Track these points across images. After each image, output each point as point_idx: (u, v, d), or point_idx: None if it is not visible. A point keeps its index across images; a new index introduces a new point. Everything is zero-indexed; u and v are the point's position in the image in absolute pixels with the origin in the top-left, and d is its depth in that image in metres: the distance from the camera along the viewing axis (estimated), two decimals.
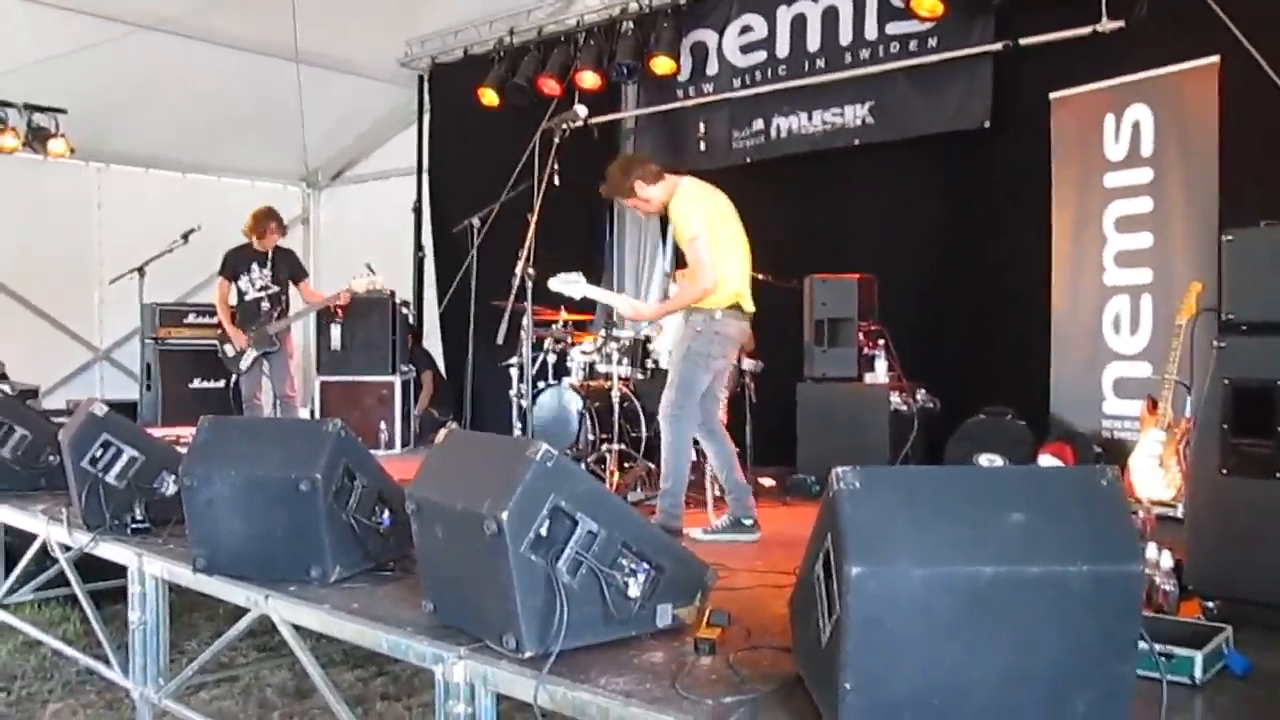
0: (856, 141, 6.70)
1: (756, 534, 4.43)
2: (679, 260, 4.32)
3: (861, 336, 5.85)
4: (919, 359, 6.00)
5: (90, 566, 4.44)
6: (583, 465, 5.40)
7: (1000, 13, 6.03)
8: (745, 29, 7.26)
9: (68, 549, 4.44)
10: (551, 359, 6.50)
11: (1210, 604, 2.91)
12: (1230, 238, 3.09)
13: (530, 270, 4.34)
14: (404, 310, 8.23)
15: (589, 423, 5.91)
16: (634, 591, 2.67)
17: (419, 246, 9.40)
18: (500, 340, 4.38)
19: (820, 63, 6.85)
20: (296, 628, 3.27)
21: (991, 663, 1.97)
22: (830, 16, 6.78)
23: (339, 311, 7.52)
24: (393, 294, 7.87)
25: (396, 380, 7.87)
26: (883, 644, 1.95)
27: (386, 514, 3.56)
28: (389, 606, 3.11)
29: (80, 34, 7.48)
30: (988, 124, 6.08)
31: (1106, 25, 5.57)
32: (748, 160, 7.15)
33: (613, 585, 2.63)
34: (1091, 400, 5.49)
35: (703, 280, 4.23)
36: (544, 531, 2.53)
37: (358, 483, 3.47)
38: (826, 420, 5.84)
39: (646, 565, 2.70)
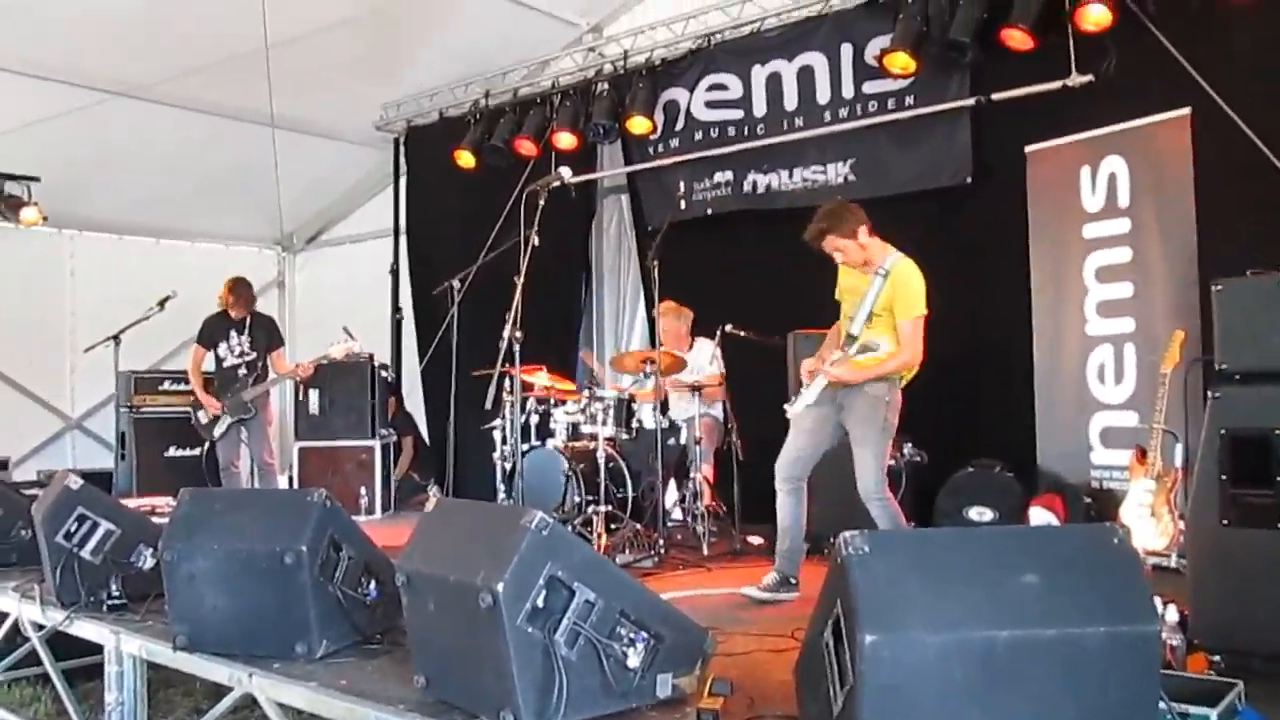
0: (839, 198, 6.72)
1: (797, 593, 4.41)
2: (870, 320, 4.32)
3: None
4: (906, 413, 5.96)
5: (63, 643, 4.30)
6: (569, 527, 5.32)
7: (974, 69, 6.11)
8: (717, 86, 7.30)
9: (40, 627, 4.31)
10: (535, 420, 6.46)
11: (1217, 658, 2.87)
12: (1220, 287, 3.10)
13: (518, 333, 4.31)
14: (383, 373, 8.18)
15: (575, 484, 5.85)
16: (633, 661, 2.60)
17: (396, 308, 9.36)
18: (489, 405, 4.35)
19: (799, 121, 6.91)
20: (282, 706, 3.17)
21: None
22: (806, 76, 6.84)
23: (304, 383, 7.47)
24: (371, 357, 7.82)
25: (376, 445, 7.78)
26: (898, 712, 1.90)
27: (373, 585, 3.47)
28: (378, 682, 3.02)
29: (52, 101, 7.46)
30: (969, 179, 6.13)
31: (1076, 80, 5.66)
32: (709, 212, 7.19)
33: (612, 656, 2.57)
34: (1079, 450, 5.49)
35: (914, 356, 4.33)
36: (541, 602, 2.47)
37: (344, 554, 3.39)
38: (819, 477, 5.77)
39: (645, 634, 2.64)
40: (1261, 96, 4.98)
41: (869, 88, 6.58)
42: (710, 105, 7.34)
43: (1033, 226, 5.74)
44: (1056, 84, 5.71)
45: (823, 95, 6.78)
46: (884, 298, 4.34)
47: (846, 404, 4.37)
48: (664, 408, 5.88)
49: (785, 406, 4.54)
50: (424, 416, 8.95)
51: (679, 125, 7.50)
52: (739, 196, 7.19)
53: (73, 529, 4.14)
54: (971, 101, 6.13)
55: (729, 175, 7.24)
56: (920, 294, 4.32)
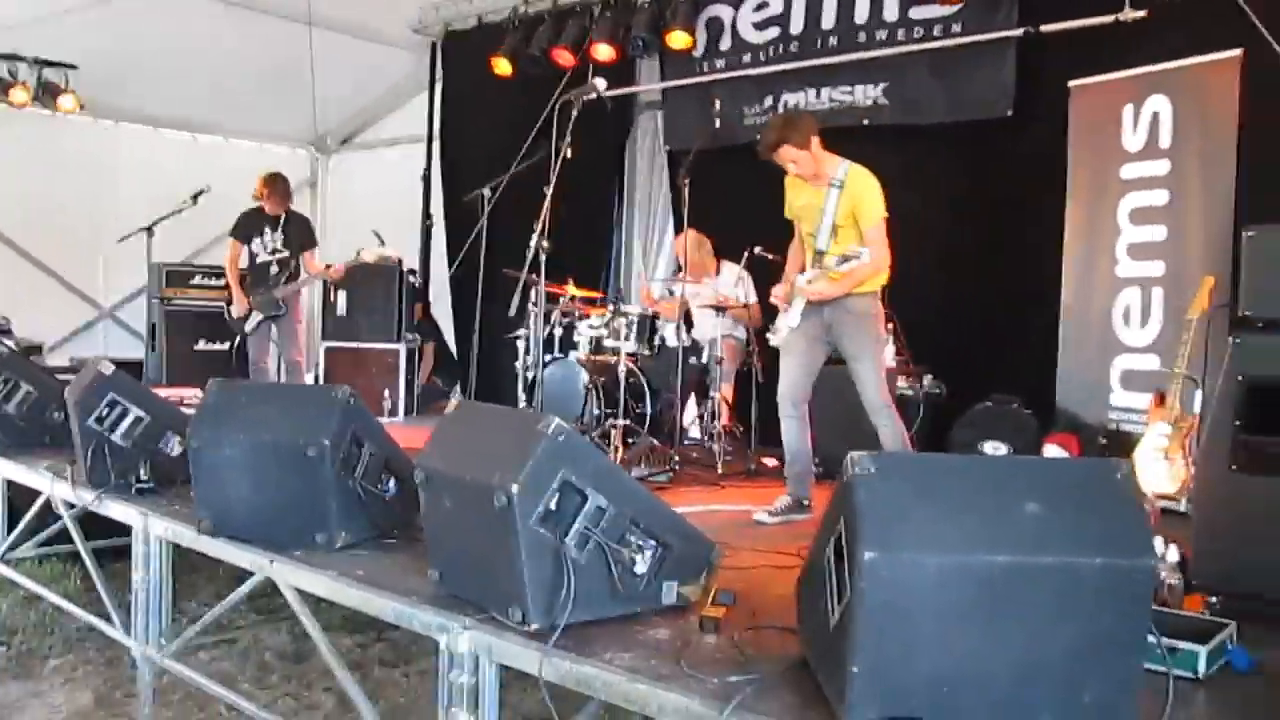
0: (866, 122, 6.65)
1: (809, 513, 4.46)
2: (834, 234, 4.31)
3: None
4: (927, 345, 5.99)
5: (93, 523, 4.45)
6: (588, 439, 5.40)
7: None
8: (761, 5, 7.20)
9: (71, 506, 4.45)
10: (558, 332, 6.50)
11: (1213, 599, 2.91)
12: (1251, 234, 3.08)
13: (545, 243, 4.33)
14: (411, 278, 8.23)
15: (595, 397, 5.92)
16: (641, 568, 2.67)
17: (427, 215, 9.36)
18: (513, 312, 4.39)
19: (833, 41, 6.80)
20: (300, 593, 3.28)
21: (1002, 652, 1.97)
22: None
23: (334, 283, 7.53)
24: (400, 262, 7.86)
25: (402, 348, 7.87)
26: (893, 629, 1.95)
27: (393, 482, 3.56)
28: (395, 575, 3.11)
29: None
30: (1010, 113, 6.04)
31: (1129, 14, 5.52)
32: (758, 137, 7.07)
33: (620, 561, 2.63)
34: (1099, 392, 5.48)
35: (883, 260, 4.32)
36: (553, 505, 2.54)
37: (365, 450, 3.47)
38: (832, 403, 5.71)
39: (653, 542, 2.70)
40: None
41: (915, 13, 6.46)
42: (758, 26, 7.22)
43: (1072, 164, 5.65)
44: (1109, 18, 5.58)
45: (861, 15, 6.66)
46: (844, 208, 4.31)
47: (834, 322, 4.38)
48: (688, 325, 5.91)
49: (769, 335, 4.57)
50: (450, 325, 9.03)
51: (724, 44, 7.38)
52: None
53: (104, 413, 4.26)
54: (1019, 32, 6.01)
55: (770, 100, 7.15)
56: (879, 198, 4.31)
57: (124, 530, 4.07)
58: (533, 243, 4.40)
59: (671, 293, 6.43)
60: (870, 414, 4.33)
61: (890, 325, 5.76)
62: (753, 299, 6.22)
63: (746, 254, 5.98)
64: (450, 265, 8.91)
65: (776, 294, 4.50)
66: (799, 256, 4.59)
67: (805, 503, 4.48)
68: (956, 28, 6.29)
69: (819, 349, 4.46)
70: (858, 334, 4.35)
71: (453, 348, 9.03)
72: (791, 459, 4.54)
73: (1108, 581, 1.97)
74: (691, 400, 6.45)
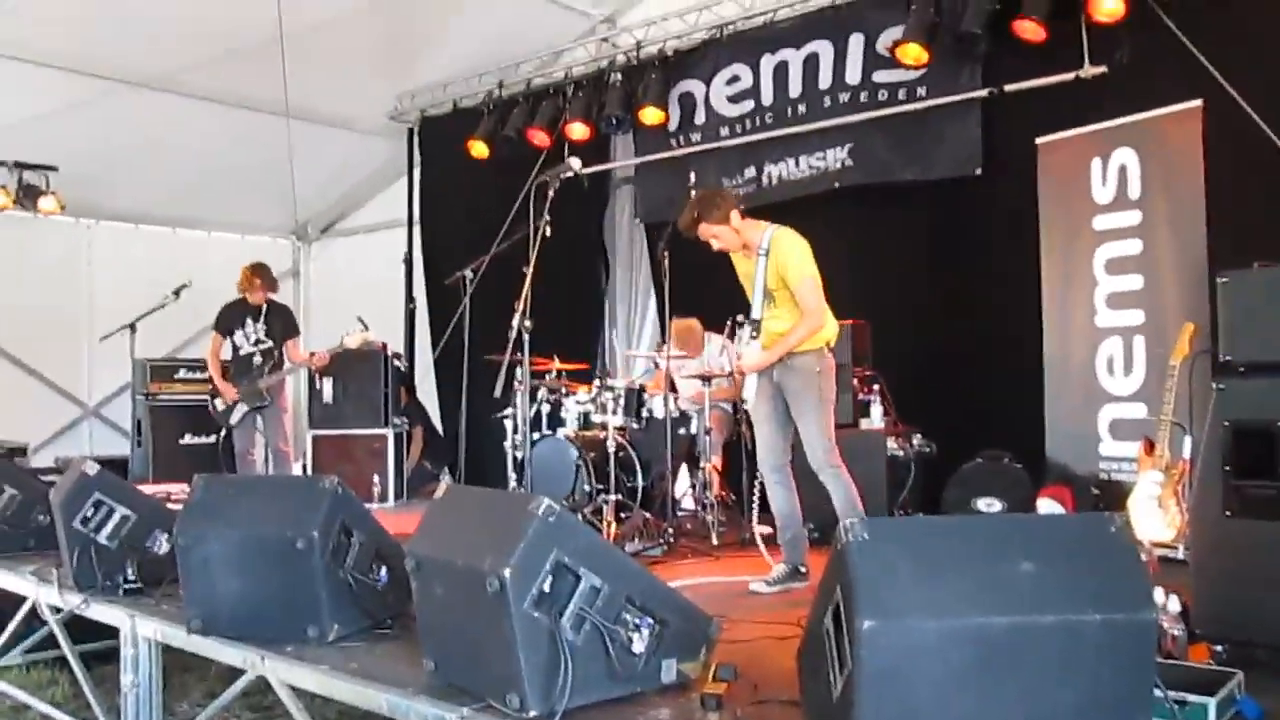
0: (836, 185, 6.76)
1: (806, 580, 4.44)
2: (770, 299, 4.35)
3: (856, 382, 5.85)
4: (914, 404, 6.00)
5: (80, 627, 4.36)
6: (579, 516, 5.37)
7: (986, 60, 6.11)
8: (732, 79, 7.33)
9: (58, 610, 4.37)
10: (545, 409, 6.50)
11: (1220, 648, 2.88)
12: (1225, 279, 3.10)
13: (527, 322, 4.35)
14: (396, 362, 8.23)
15: (585, 473, 5.90)
16: (638, 647, 2.63)
17: (410, 298, 9.40)
18: (498, 393, 4.38)
19: (802, 109, 6.94)
20: (294, 689, 3.22)
21: (1006, 714, 1.94)
22: (811, 64, 6.87)
23: (319, 372, 7.53)
24: (384, 346, 7.87)
25: (389, 433, 7.84)
26: (896, 697, 1.93)
27: (384, 571, 3.51)
28: (388, 665, 3.06)
29: (70, 91, 7.53)
30: (979, 171, 6.14)
31: (1089, 71, 5.66)
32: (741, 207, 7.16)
33: (617, 641, 2.60)
34: (1088, 442, 5.49)
35: (816, 319, 4.33)
36: (547, 588, 2.50)
37: (355, 539, 3.43)
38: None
39: (650, 620, 2.67)
40: (1275, 88, 4.97)
41: (880, 76, 6.59)
42: (731, 100, 7.36)
43: (1043, 218, 5.73)
44: (1069, 75, 5.72)
45: (824, 82, 6.80)
46: (771, 273, 4.36)
47: (782, 381, 4.41)
48: (673, 389, 5.92)
49: (741, 401, 4.61)
50: (436, 406, 9.01)
51: (699, 118, 7.52)
52: (760, 190, 7.20)
53: (89, 514, 4.20)
54: (984, 93, 6.14)
55: (752, 170, 7.26)
56: (804, 257, 4.34)
57: (113, 632, 3.99)
58: (515, 322, 4.41)
59: (657, 365, 6.45)
60: (817, 473, 4.35)
61: (876, 386, 5.80)
62: (731, 361, 6.24)
63: (730, 323, 5.99)
64: (434, 347, 8.94)
65: (737, 366, 4.57)
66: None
67: (802, 569, 4.45)
68: (921, 90, 6.42)
69: (783, 410, 4.47)
70: (802, 392, 4.36)
71: (440, 429, 9.00)
72: (783, 525, 4.52)
73: (1109, 637, 1.95)
74: (683, 471, 6.43)
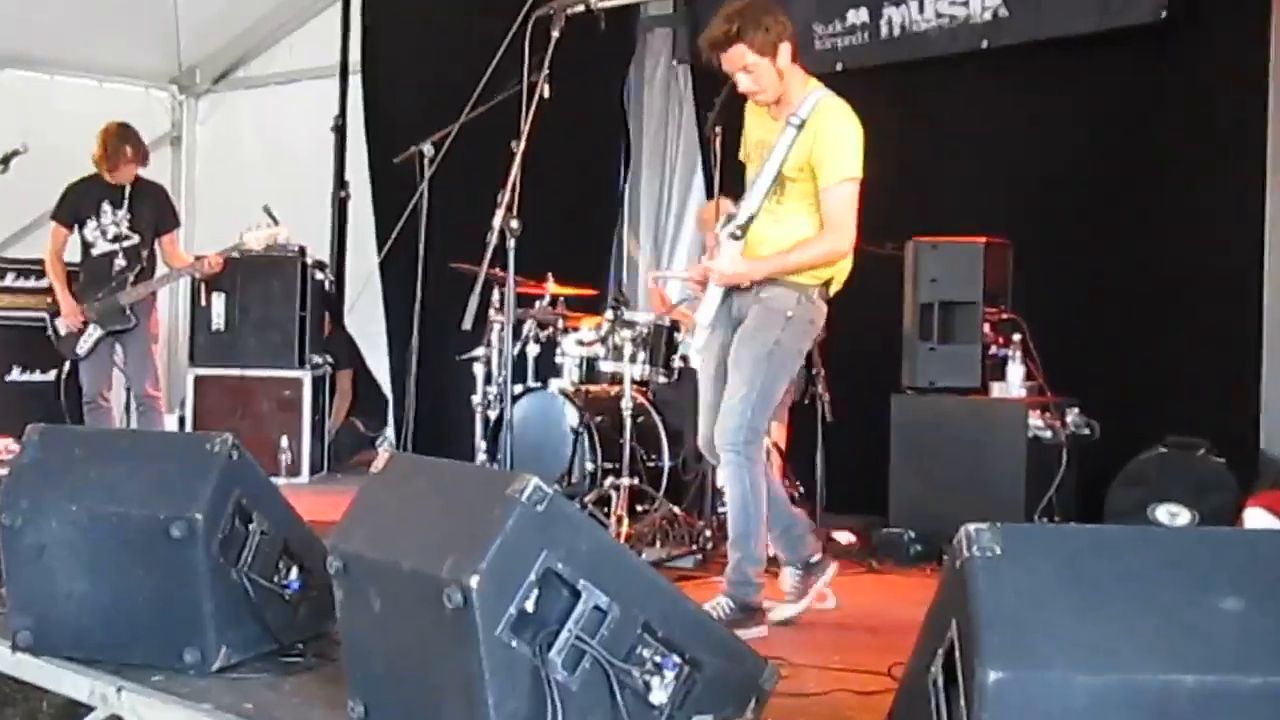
0: (984, 44, 6.67)
1: (829, 567, 4.55)
2: (778, 188, 4.31)
3: (988, 329, 5.83)
4: (1069, 363, 5.98)
5: None
6: (580, 506, 5.41)
7: None
8: None
9: None
10: (534, 351, 6.52)
11: None
12: None
13: (514, 223, 4.34)
14: (319, 275, 8.25)
15: (588, 445, 5.93)
16: (659, 695, 2.66)
17: (341, 182, 9.39)
18: (468, 323, 4.38)
19: None
20: None
21: None
22: None
23: (206, 283, 7.56)
24: (302, 251, 7.89)
25: (306, 377, 7.90)
26: None
27: (295, 573, 3.56)
28: (298, 709, 3.11)
29: None
30: (1164, 14, 6.04)
31: None
32: (839, 67, 7.10)
33: (628, 686, 2.62)
34: None
35: (842, 240, 4.29)
36: (530, 606, 2.53)
37: (255, 528, 3.47)
38: (933, 451, 5.83)
39: (676, 658, 2.70)
40: None
41: None
42: None
43: (1275, 90, 5.66)
44: None
45: None
46: (799, 153, 4.28)
47: (738, 313, 4.41)
48: None
49: (681, 346, 4.59)
50: (377, 341, 9.04)
51: None
52: (871, 44, 7.12)
53: None
54: None
55: (863, 14, 7.16)
56: (855, 146, 4.29)
57: None
58: (496, 222, 4.40)
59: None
60: (712, 451, 4.38)
61: (1017, 336, 5.78)
62: None
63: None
64: (379, 253, 8.91)
65: (692, 272, 4.59)
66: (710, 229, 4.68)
67: (814, 559, 4.56)
68: None
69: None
70: (754, 334, 4.33)
71: (379, 376, 9.04)
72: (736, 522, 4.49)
73: None
74: None
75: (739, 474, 4.28)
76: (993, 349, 5.88)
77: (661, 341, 6.01)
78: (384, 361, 9.05)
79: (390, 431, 8.81)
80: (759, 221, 4.30)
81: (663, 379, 6.03)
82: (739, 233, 4.28)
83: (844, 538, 5.83)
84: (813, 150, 4.25)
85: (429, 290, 6.15)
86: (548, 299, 6.47)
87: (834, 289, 4.43)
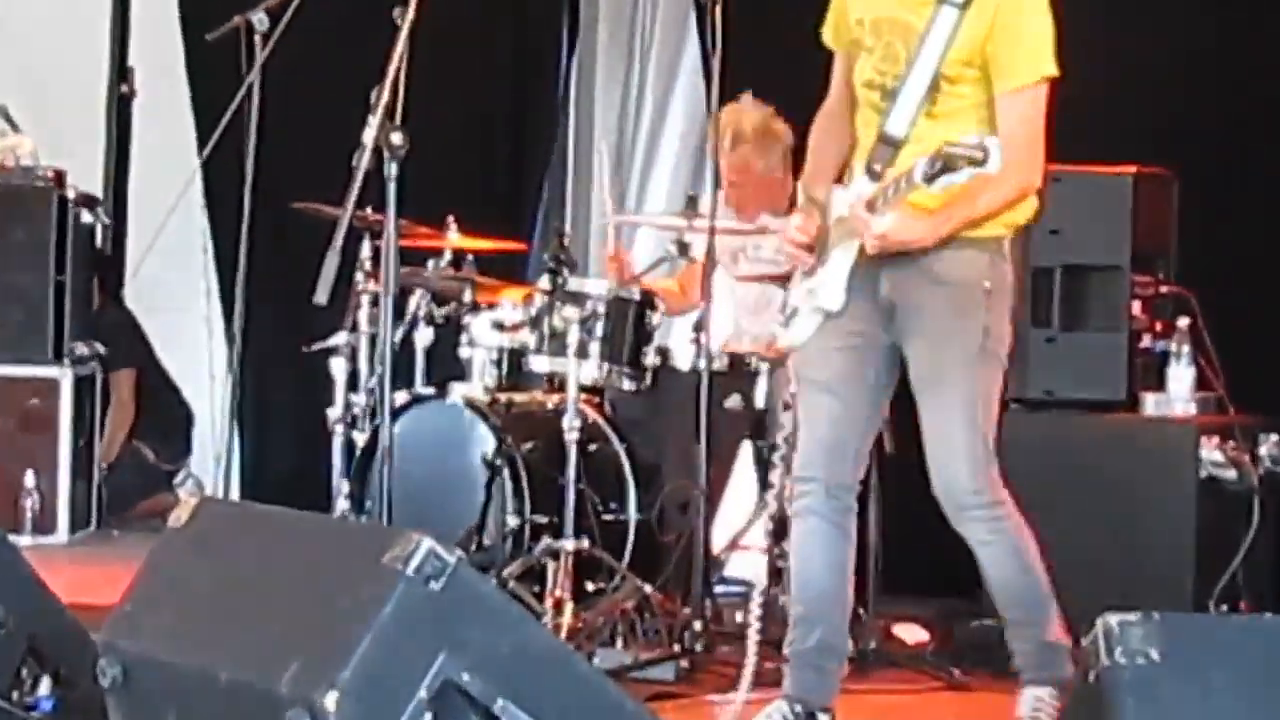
0: None
1: None
2: (933, 96, 4.31)
3: (1139, 309, 5.86)
4: (1263, 364, 6.03)
5: None
6: (495, 579, 5.47)
7: None
8: None
9: None
10: (424, 339, 6.52)
11: None
12: None
13: (396, 136, 4.33)
14: (85, 217, 8.22)
15: (510, 488, 5.93)
16: None
17: (121, 74, 9.38)
18: (323, 294, 4.37)
19: None
20: None
21: None
22: None
23: None
24: (59, 179, 7.87)
25: (65, 378, 7.88)
26: None
27: (47, 684, 3.56)
28: None
29: None
30: None
31: None
32: None
33: None
34: None
35: (1033, 166, 4.38)
36: None
37: None
38: (1052, 497, 5.82)
39: None
40: None
41: None
42: None
43: None
44: None
45: None
46: (967, 41, 4.34)
47: (901, 299, 4.44)
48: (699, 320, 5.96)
49: (775, 329, 4.64)
50: (175, 323, 9.02)
51: None
52: None
53: None
54: None
55: None
56: (1048, 33, 4.37)
57: None
58: (368, 135, 4.39)
59: (683, 250, 6.45)
60: (953, 513, 4.40)
61: (1185, 322, 5.81)
62: None
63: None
64: (184, 190, 8.89)
65: (793, 232, 4.55)
66: (838, 142, 4.65)
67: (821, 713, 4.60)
68: None
69: (878, 366, 4.54)
70: (951, 327, 4.41)
71: (179, 377, 9.02)
72: (805, 612, 4.61)
73: None
74: (734, 490, 6.52)
75: (998, 531, 4.38)
76: (1146, 340, 5.91)
77: (626, 325, 6.03)
78: (188, 355, 9.03)
79: (197, 464, 8.79)
80: (904, 153, 4.30)
81: (628, 384, 6.04)
82: (878, 173, 4.29)
83: (910, 633, 5.85)
84: (991, 36, 4.31)
85: (260, 244, 6.14)
86: (448, 257, 6.48)
87: (1021, 229, 4.56)
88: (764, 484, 6.34)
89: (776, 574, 5.90)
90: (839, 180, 4.52)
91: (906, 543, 6.00)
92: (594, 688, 2.76)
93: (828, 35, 4.63)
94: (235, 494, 7.23)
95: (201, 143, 8.68)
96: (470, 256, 6.48)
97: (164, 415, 8.92)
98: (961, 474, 4.34)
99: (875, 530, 5.93)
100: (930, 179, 4.05)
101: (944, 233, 4.29)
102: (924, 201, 4.25)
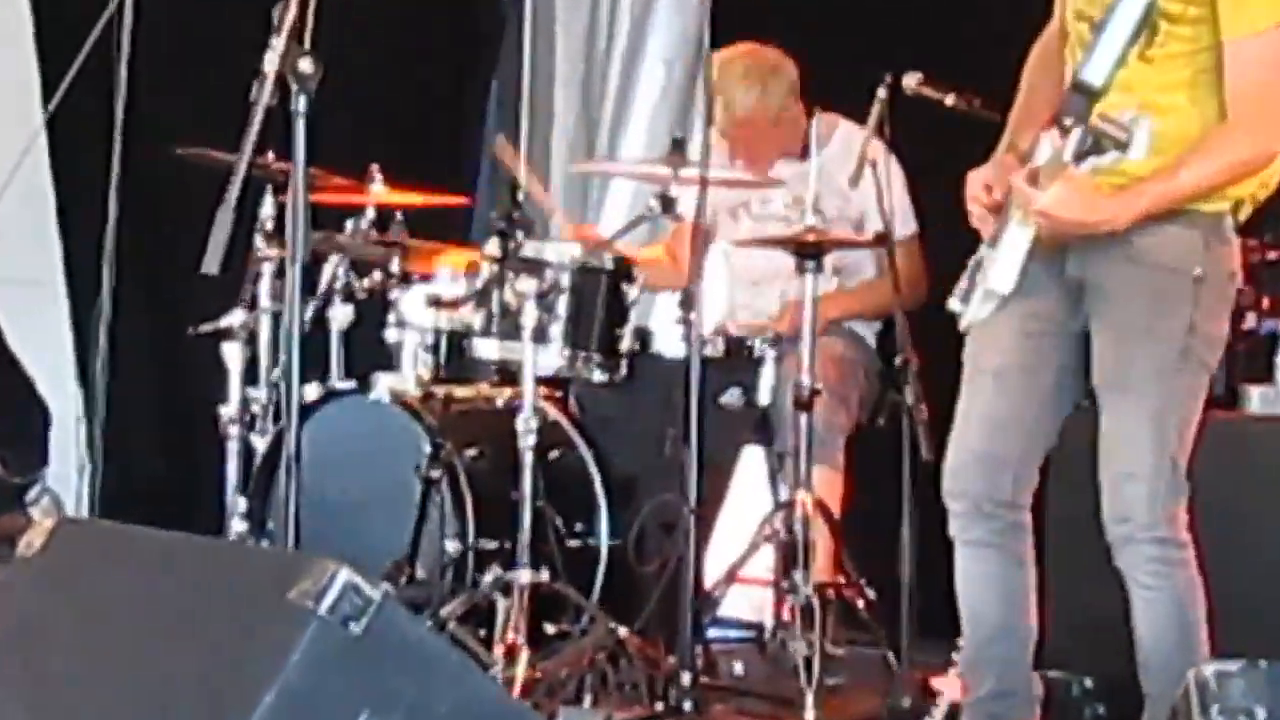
0: None
1: None
2: (1148, 38, 4.31)
3: (1241, 280, 5.88)
4: None
5: None
6: (430, 620, 5.46)
7: None
8: None
9: None
10: (341, 318, 6.52)
11: None
12: None
13: (305, 63, 4.33)
14: None
15: (450, 505, 5.93)
16: None
17: None
18: (212, 265, 4.37)
19: None
20: None
21: None
22: None
23: None
24: None
25: None
26: None
27: None
28: None
29: None
30: None
31: None
32: None
33: None
34: None
35: (1271, 126, 4.32)
36: None
37: None
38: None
39: None
40: None
41: None
42: None
43: None
44: None
45: None
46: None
47: (1092, 277, 4.46)
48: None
49: (951, 303, 4.66)
50: (28, 299, 9.03)
51: None
52: None
53: None
54: None
55: None
56: None
57: None
58: (268, 63, 4.39)
59: (667, 207, 6.46)
60: (1117, 543, 4.41)
61: None
62: (908, 223, 6.34)
63: (882, 92, 6.02)
64: (35, 131, 8.91)
65: (978, 200, 4.55)
66: (1055, 80, 4.66)
67: None
68: None
69: (1059, 361, 4.58)
70: (1144, 322, 4.42)
71: (31, 368, 9.03)
72: (975, 658, 4.70)
73: None
74: (731, 507, 6.49)
75: (1166, 577, 4.40)
76: (1250, 319, 5.93)
77: (596, 302, 6.04)
78: (43, 340, 9.04)
79: (54, 477, 8.80)
80: (1111, 98, 4.27)
81: (599, 375, 6.06)
82: (1069, 123, 4.28)
83: (950, 688, 5.86)
84: None
85: (132, 201, 6.14)
86: (370, 216, 6.48)
87: (1245, 214, 4.52)
88: (775, 500, 6.38)
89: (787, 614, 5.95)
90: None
91: (947, 573, 6.01)
92: None
93: None
94: (101, 513, 7.23)
95: (46, 79, 8.75)
96: (399, 215, 6.47)
97: (12, 415, 8.94)
98: (1138, 501, 4.35)
99: (908, 558, 5.96)
100: (1079, 157, 4.10)
101: (1137, 215, 4.28)
102: (1131, 170, 4.25)
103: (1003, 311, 4.52)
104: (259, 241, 6.06)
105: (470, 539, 5.94)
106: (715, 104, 6.28)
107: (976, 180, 4.53)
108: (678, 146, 6.33)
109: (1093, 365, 4.47)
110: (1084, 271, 4.45)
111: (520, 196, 6.72)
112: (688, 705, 5.48)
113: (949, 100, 6.09)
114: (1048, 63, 4.70)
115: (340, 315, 6.51)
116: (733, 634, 6.37)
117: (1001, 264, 4.42)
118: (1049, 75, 4.66)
